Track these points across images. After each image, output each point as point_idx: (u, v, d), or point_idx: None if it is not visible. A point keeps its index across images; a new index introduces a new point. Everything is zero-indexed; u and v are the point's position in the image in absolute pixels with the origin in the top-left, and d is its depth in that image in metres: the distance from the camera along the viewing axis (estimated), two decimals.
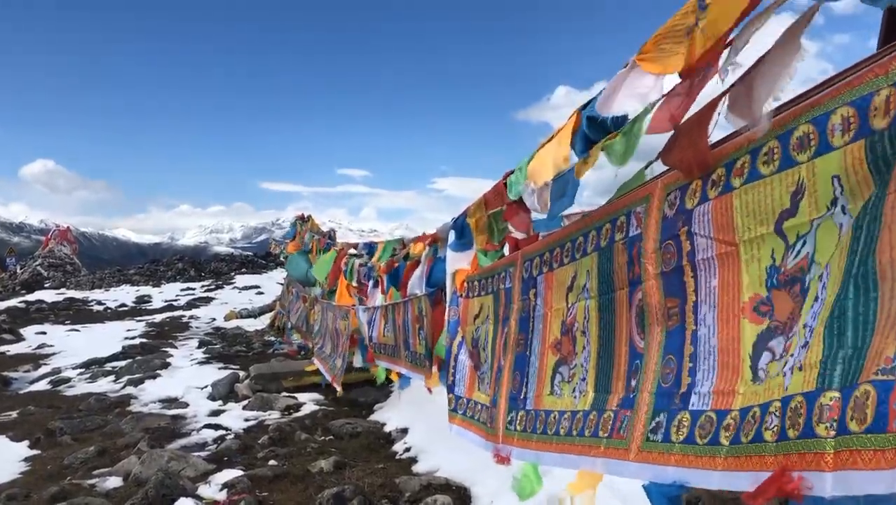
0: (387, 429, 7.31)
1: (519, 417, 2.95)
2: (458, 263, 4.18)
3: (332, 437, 7.19)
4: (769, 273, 1.64)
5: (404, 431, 7.00)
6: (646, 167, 2.15)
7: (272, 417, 8.24)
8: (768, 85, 1.54)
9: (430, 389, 5.36)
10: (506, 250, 3.75)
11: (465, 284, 3.97)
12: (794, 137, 1.55)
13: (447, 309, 4.26)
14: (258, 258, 34.28)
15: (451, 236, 4.27)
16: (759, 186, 1.66)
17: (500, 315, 3.38)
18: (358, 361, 7.42)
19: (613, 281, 2.33)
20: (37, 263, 33.43)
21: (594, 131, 2.35)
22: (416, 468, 5.91)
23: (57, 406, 9.15)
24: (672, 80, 1.96)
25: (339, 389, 7.83)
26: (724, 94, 1.74)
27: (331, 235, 13.32)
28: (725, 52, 1.72)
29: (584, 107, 2.50)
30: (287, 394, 9.17)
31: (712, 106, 1.79)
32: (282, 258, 20.86)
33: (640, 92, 1.98)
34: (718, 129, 1.83)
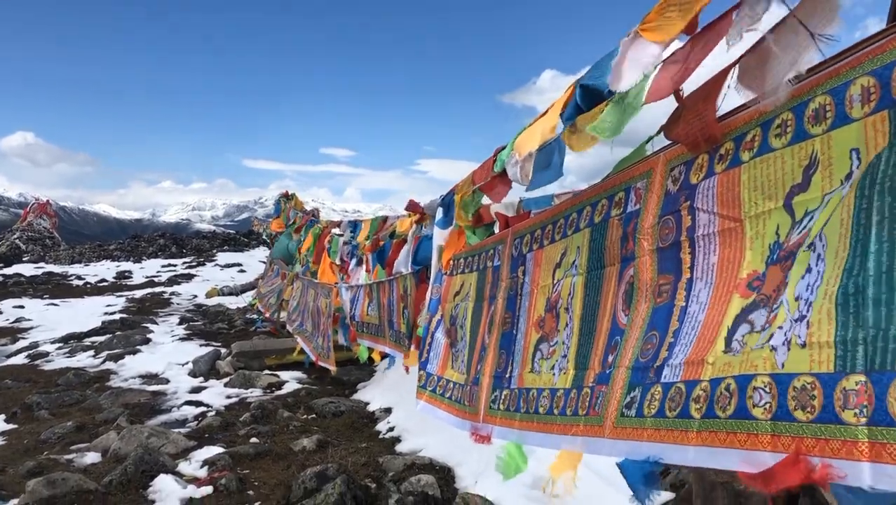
0: (370, 408, 7.27)
1: (503, 396, 2.89)
2: (444, 240, 4.13)
3: (314, 415, 7.14)
4: (772, 249, 1.57)
5: (388, 411, 6.95)
6: (647, 141, 2.08)
7: (254, 394, 8.17)
8: (791, 55, 1.43)
9: (407, 369, 5.30)
10: (496, 228, 3.69)
11: (451, 262, 3.91)
12: (810, 109, 1.48)
13: (430, 287, 4.21)
14: (240, 236, 34.05)
15: (439, 213, 4.21)
16: (769, 160, 1.59)
17: (487, 293, 3.32)
18: (341, 340, 7.34)
19: (604, 257, 2.27)
20: (15, 236, 32.91)
21: (587, 101, 2.27)
22: (400, 448, 5.88)
23: (35, 380, 9.01)
24: (674, 47, 1.88)
25: (332, 368, 7.64)
26: (733, 64, 1.66)
27: (314, 214, 13.19)
28: (735, 15, 1.63)
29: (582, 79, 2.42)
30: (269, 372, 9.10)
31: (721, 78, 1.71)
32: (265, 237, 20.63)
33: (644, 62, 1.89)
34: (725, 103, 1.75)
